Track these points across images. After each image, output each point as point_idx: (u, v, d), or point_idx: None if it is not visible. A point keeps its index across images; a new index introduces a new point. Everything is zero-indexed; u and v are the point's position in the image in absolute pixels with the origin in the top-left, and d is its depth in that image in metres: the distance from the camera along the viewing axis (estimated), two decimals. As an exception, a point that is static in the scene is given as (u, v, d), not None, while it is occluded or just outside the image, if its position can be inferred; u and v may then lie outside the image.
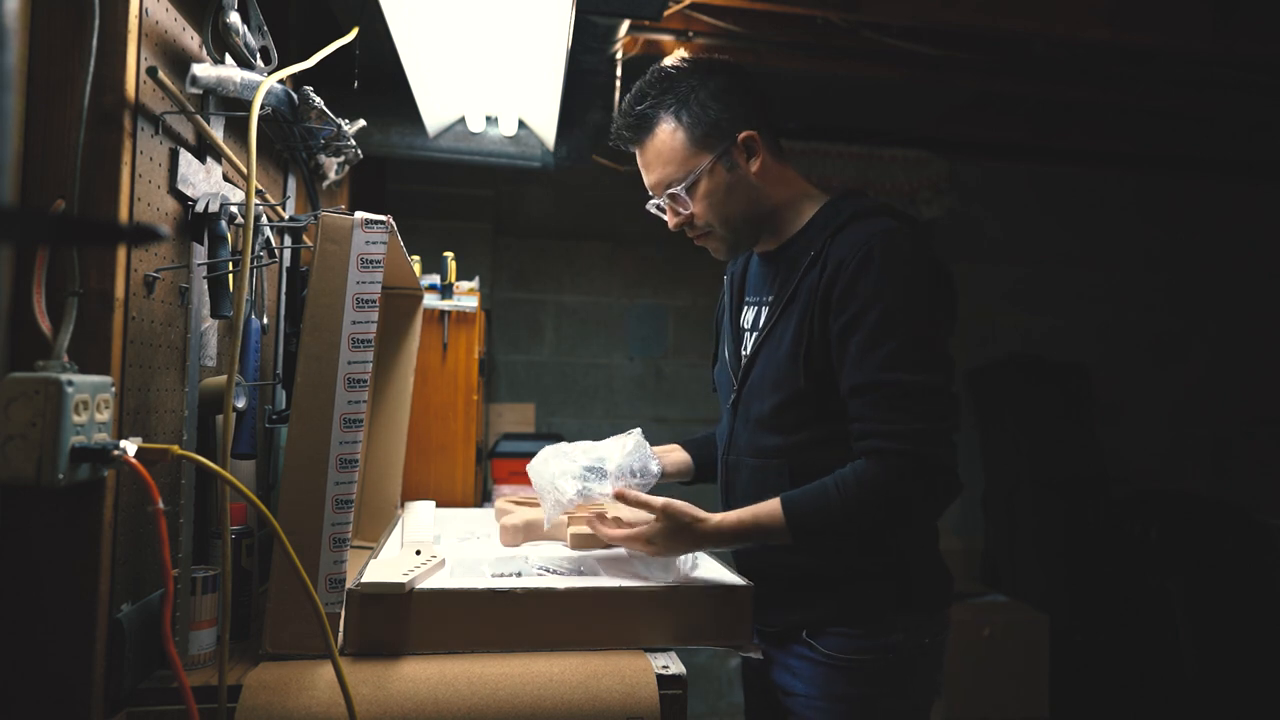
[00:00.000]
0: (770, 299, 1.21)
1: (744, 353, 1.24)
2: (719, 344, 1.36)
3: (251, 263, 1.07)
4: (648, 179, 1.22)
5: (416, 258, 1.70)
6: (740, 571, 1.22)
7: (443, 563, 1.14)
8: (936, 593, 1.20)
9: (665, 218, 1.24)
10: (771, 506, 1.09)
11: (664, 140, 1.18)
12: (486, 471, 2.49)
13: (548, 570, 1.17)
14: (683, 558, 1.29)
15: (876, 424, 1.06)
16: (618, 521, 1.15)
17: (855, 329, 1.08)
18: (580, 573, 1.16)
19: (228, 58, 1.12)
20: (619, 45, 2.04)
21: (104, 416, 0.84)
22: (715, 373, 1.36)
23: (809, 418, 1.14)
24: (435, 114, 2.09)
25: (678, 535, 1.09)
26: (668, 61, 1.21)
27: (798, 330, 1.13)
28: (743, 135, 1.17)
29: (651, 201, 1.25)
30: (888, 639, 1.13)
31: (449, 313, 1.94)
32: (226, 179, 1.16)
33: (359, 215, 1.00)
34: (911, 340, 1.06)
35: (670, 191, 1.19)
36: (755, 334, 1.22)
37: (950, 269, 1.16)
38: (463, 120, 2.18)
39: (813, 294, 1.12)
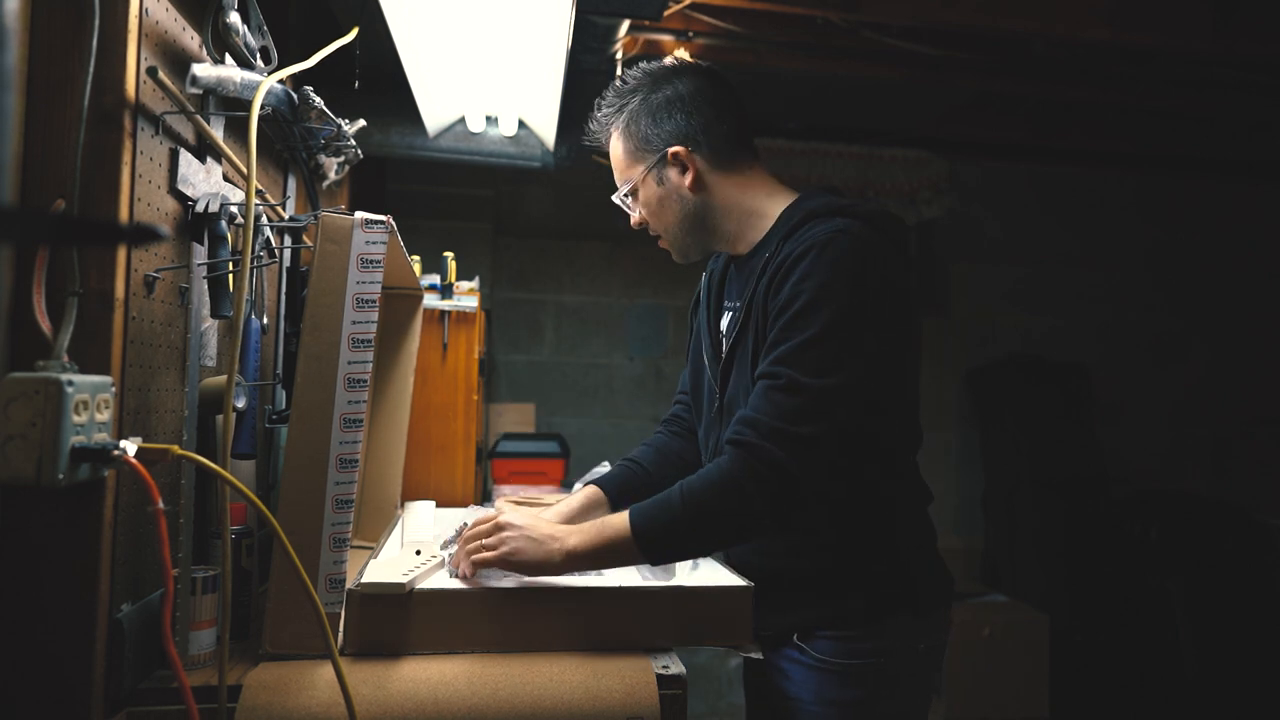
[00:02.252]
0: (738, 304, 1.21)
1: (722, 358, 1.24)
2: (695, 346, 1.34)
3: (251, 263, 1.07)
4: (613, 175, 1.28)
5: (416, 258, 1.70)
6: (735, 569, 1.21)
7: (443, 563, 1.14)
8: (933, 595, 1.18)
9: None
10: (619, 518, 1.06)
11: (614, 147, 1.26)
12: (486, 471, 2.49)
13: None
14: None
15: (744, 413, 1.05)
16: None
17: (774, 325, 1.07)
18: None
19: (228, 58, 1.12)
20: (619, 45, 2.04)
21: (104, 416, 0.84)
22: (689, 376, 1.35)
23: None
24: (435, 114, 2.09)
25: (535, 528, 1.06)
26: (628, 71, 1.25)
27: (756, 336, 1.13)
28: (671, 151, 1.20)
29: (620, 195, 1.29)
30: (880, 643, 1.12)
31: (449, 313, 1.94)
32: (226, 179, 1.16)
33: (359, 215, 1.00)
34: (819, 338, 1.03)
35: (624, 192, 1.26)
36: (732, 338, 1.21)
37: (909, 276, 1.14)
38: (463, 120, 2.18)
39: (763, 298, 1.12)
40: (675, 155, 1.20)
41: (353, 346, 0.99)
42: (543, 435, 2.94)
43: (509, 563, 1.04)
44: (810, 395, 1.01)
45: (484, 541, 1.06)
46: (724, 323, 1.27)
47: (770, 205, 1.22)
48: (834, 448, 1.02)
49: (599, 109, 1.25)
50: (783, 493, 1.01)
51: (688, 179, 1.20)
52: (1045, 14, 2.42)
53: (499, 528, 1.06)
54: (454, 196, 3.18)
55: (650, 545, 1.04)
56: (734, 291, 1.26)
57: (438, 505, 1.69)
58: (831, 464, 1.03)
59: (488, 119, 2.17)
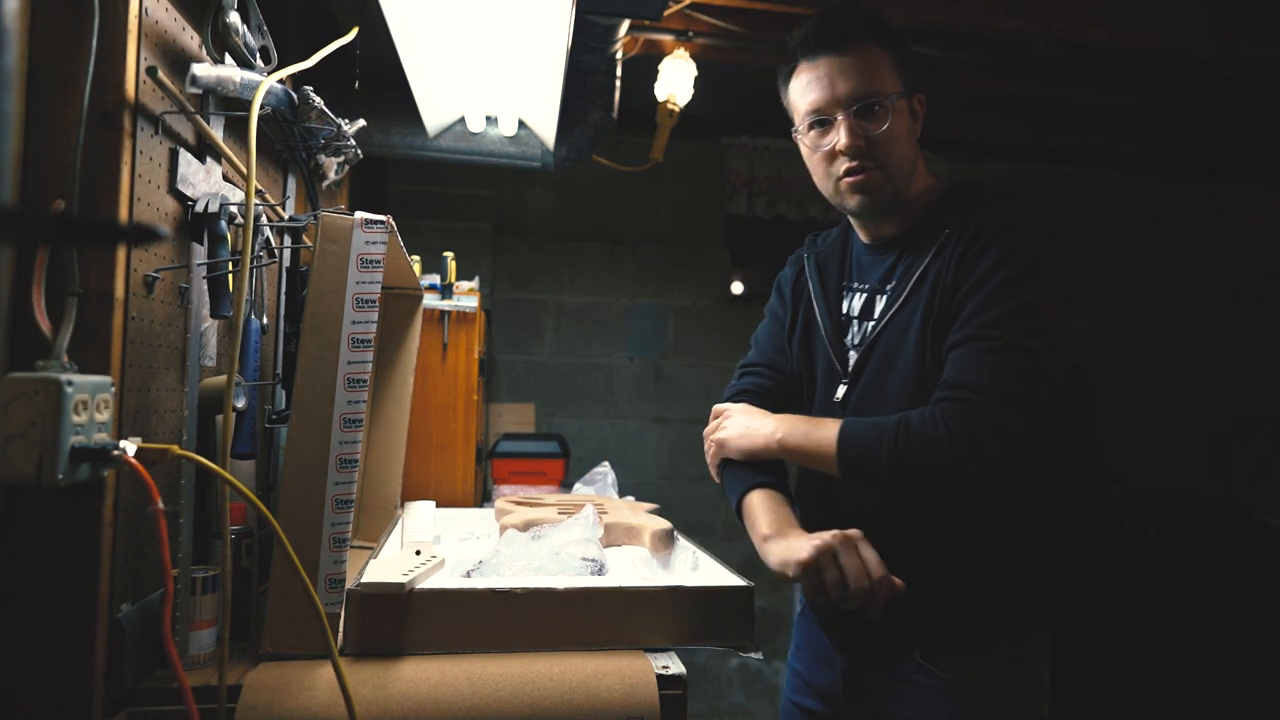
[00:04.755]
0: (891, 285, 1.15)
1: (850, 343, 1.18)
2: (805, 330, 1.26)
3: (251, 263, 1.07)
4: (834, 90, 1.11)
5: (416, 258, 1.70)
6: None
7: (443, 563, 1.14)
8: (1044, 616, 1.10)
9: (807, 142, 1.16)
10: (830, 422, 1.06)
11: (869, 56, 1.11)
12: (486, 471, 2.49)
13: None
14: (683, 558, 1.29)
15: (957, 375, 0.99)
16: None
17: (973, 294, 1.02)
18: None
19: (227, 57, 1.12)
20: (619, 45, 2.04)
21: (104, 416, 0.84)
22: (806, 354, 1.26)
23: None
24: (435, 114, 2.09)
25: (751, 414, 1.15)
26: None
27: (924, 316, 1.07)
28: (918, 95, 1.17)
29: (803, 125, 1.15)
30: (1010, 662, 1.05)
31: (449, 313, 1.94)
32: (226, 179, 1.16)
33: (359, 215, 1.00)
34: (1035, 304, 0.99)
35: (870, 103, 1.11)
36: (870, 323, 1.16)
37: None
38: (463, 120, 2.18)
39: (940, 277, 1.07)
40: (920, 102, 1.18)
41: (353, 346, 0.98)
42: (543, 435, 2.94)
43: (724, 445, 1.17)
44: (1032, 357, 0.96)
45: (707, 430, 1.20)
46: (851, 305, 1.21)
47: (928, 192, 1.18)
48: (1055, 414, 0.96)
49: (848, 13, 1.12)
50: (1003, 461, 0.95)
51: (918, 129, 1.18)
52: (1045, 14, 2.42)
53: (717, 414, 1.20)
54: (454, 196, 3.18)
55: (848, 469, 1.03)
56: (870, 272, 1.20)
57: (438, 505, 1.69)
58: (1050, 434, 0.97)
59: (488, 119, 2.17)
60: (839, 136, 1.11)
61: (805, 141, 1.18)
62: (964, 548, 1.07)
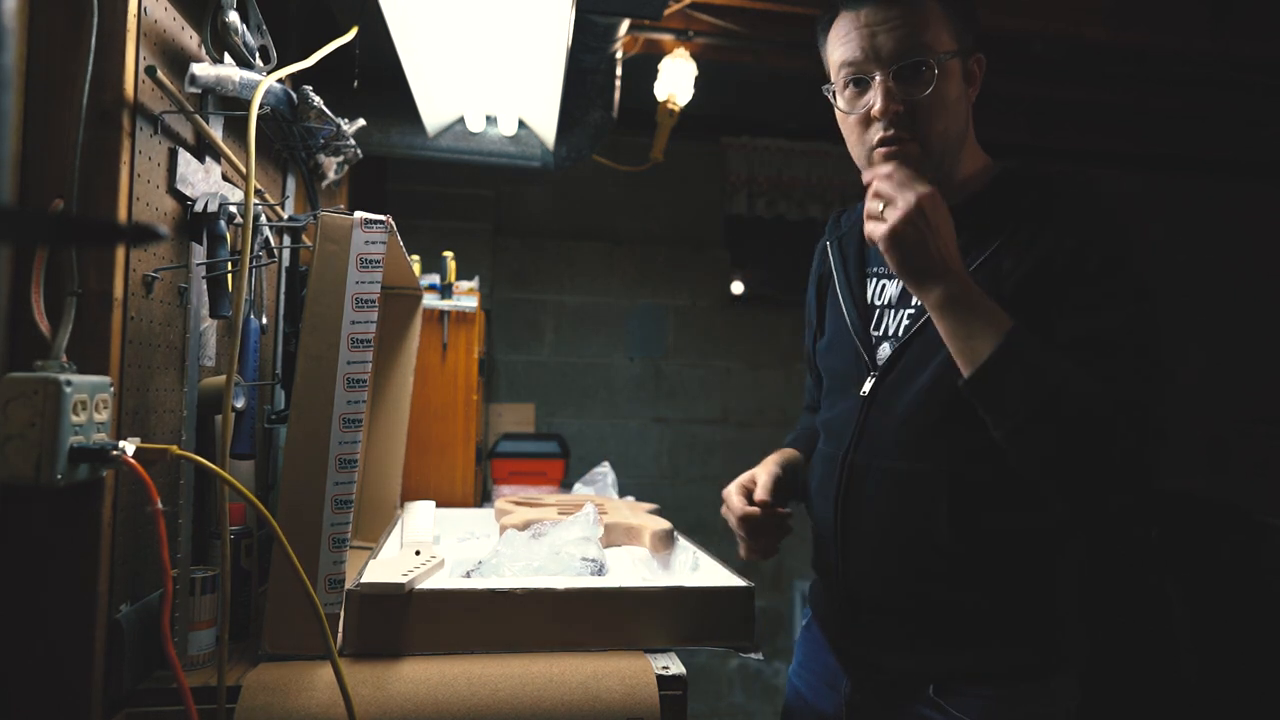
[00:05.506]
0: None
1: (880, 334, 1.06)
2: (824, 322, 1.18)
3: (250, 262, 1.07)
4: (880, 41, 0.97)
5: (416, 258, 1.70)
6: (848, 597, 1.05)
7: (443, 563, 1.14)
8: (1079, 653, 0.99)
9: (840, 103, 1.03)
10: (1002, 315, 0.88)
11: (921, 9, 0.96)
12: (486, 471, 2.49)
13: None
14: (683, 558, 1.29)
15: (1115, 373, 0.88)
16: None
17: (1092, 287, 0.91)
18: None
19: (227, 57, 1.12)
20: (619, 45, 2.04)
21: (103, 416, 0.83)
22: (823, 355, 1.17)
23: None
24: (435, 114, 2.09)
25: (944, 236, 0.89)
26: None
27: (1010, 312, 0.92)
28: (977, 56, 1.02)
29: (838, 82, 1.02)
30: (1039, 706, 0.94)
31: (449, 313, 1.94)
32: (225, 179, 1.16)
33: (358, 215, 1.00)
34: (1147, 313, 0.91)
35: (915, 62, 0.96)
36: (909, 311, 1.04)
37: None
38: (462, 120, 2.18)
39: (1018, 269, 0.94)
40: (979, 63, 1.02)
41: (352, 346, 0.98)
42: (542, 435, 2.94)
43: (890, 241, 0.90)
44: (1155, 383, 0.89)
45: (882, 208, 0.91)
46: (881, 292, 1.09)
47: (979, 172, 1.06)
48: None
49: None
50: (1138, 470, 0.88)
51: (973, 94, 1.03)
52: (1043, 13, 2.43)
53: (910, 205, 0.89)
54: (454, 196, 3.18)
55: (997, 375, 0.86)
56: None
57: (438, 505, 1.69)
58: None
59: (488, 119, 2.17)
60: (875, 99, 0.97)
61: (839, 102, 1.03)
62: (995, 572, 0.95)
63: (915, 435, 0.99)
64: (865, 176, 0.98)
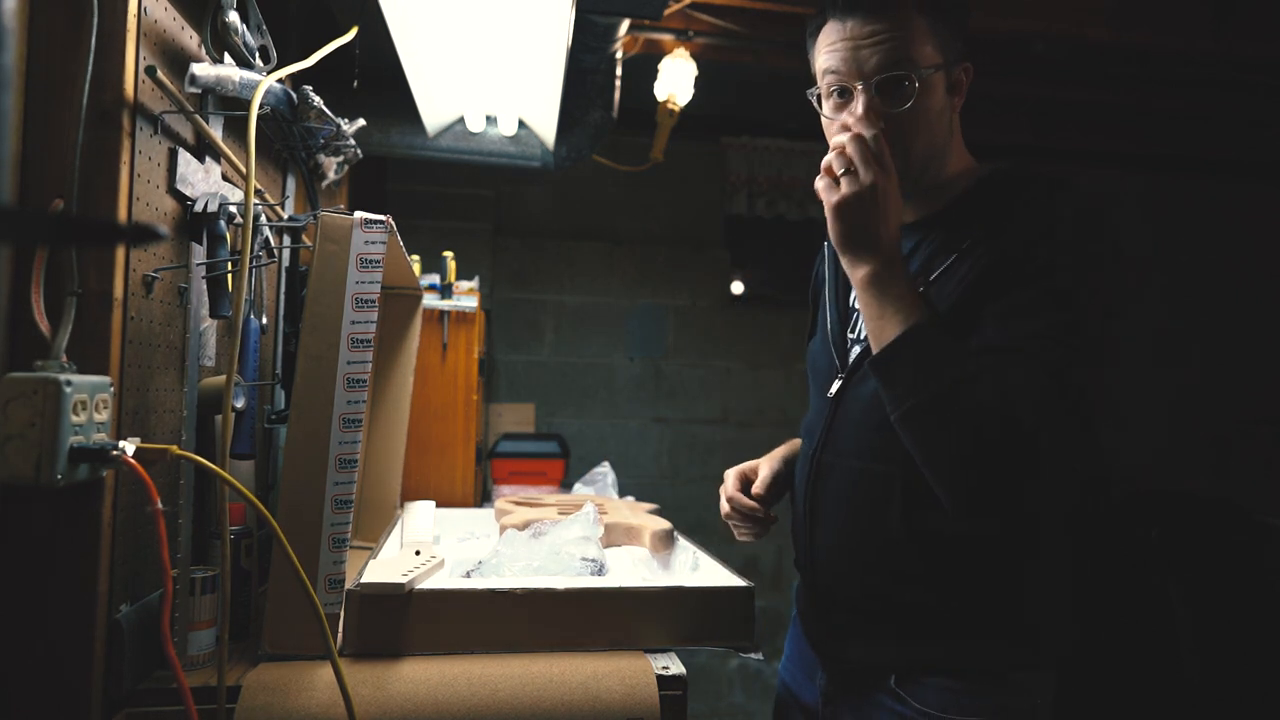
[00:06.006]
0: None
1: (852, 335, 1.09)
2: (818, 319, 1.19)
3: (250, 262, 1.07)
4: (864, 54, 0.98)
5: (416, 258, 1.70)
6: (816, 584, 1.08)
7: (443, 563, 1.14)
8: (1053, 650, 0.99)
9: (825, 110, 1.05)
10: (919, 309, 0.89)
11: (906, 24, 0.97)
12: (486, 471, 2.49)
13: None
14: (683, 559, 1.29)
15: (1013, 379, 0.86)
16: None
17: (1013, 288, 0.90)
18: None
19: (227, 57, 1.12)
20: (619, 45, 2.04)
21: (103, 416, 0.83)
22: (810, 356, 1.20)
23: None
24: (435, 114, 2.09)
25: (889, 221, 0.91)
26: None
27: (952, 317, 0.94)
28: (964, 66, 1.02)
29: (823, 88, 1.04)
30: (998, 698, 0.95)
31: (449, 313, 1.94)
32: (225, 179, 1.16)
33: (358, 215, 1.00)
34: (1074, 321, 0.89)
35: (896, 76, 0.97)
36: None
37: None
38: (462, 120, 2.18)
39: (977, 267, 0.94)
40: (966, 71, 1.02)
41: (352, 346, 0.98)
42: (543, 435, 2.94)
43: (837, 211, 0.92)
44: (1069, 391, 0.87)
45: (842, 172, 0.91)
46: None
47: (963, 177, 1.05)
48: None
49: None
50: (1023, 488, 0.87)
51: (958, 104, 1.03)
52: (1045, 14, 2.43)
53: (868, 183, 0.90)
54: (454, 196, 3.18)
55: (892, 357, 0.88)
56: None
57: (438, 505, 1.69)
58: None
59: (488, 119, 2.17)
60: (857, 112, 0.99)
61: (823, 109, 1.06)
62: (947, 571, 0.97)
63: (872, 436, 1.00)
64: (834, 136, 0.99)
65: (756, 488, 1.21)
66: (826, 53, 1.02)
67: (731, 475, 1.25)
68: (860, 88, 0.99)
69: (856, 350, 1.07)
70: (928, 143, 1.01)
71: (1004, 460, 0.85)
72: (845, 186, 0.92)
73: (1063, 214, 0.94)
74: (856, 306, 1.09)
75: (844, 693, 1.05)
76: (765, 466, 1.23)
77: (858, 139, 0.94)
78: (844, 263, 0.96)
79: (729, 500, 1.22)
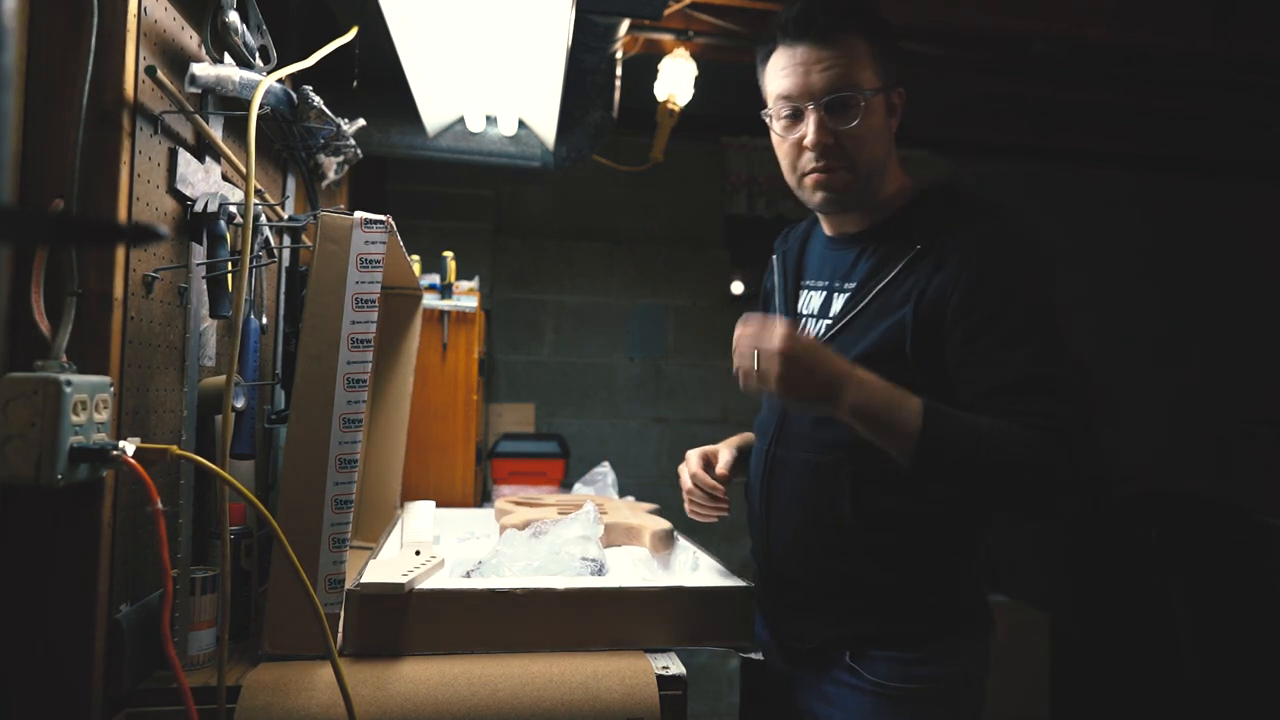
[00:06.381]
0: (851, 285, 1.12)
1: None
2: None
3: (250, 262, 1.07)
4: (813, 78, 1.08)
5: (416, 258, 1.70)
6: (773, 573, 1.18)
7: (443, 563, 1.14)
8: (983, 619, 1.12)
9: (776, 129, 1.14)
10: (911, 400, 0.97)
11: (852, 49, 1.08)
12: (486, 471, 2.49)
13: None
14: (683, 559, 1.29)
15: (1031, 408, 0.96)
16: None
17: (987, 327, 1.00)
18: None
19: (227, 57, 1.12)
20: (619, 45, 2.03)
21: (103, 416, 0.83)
22: None
23: None
24: (435, 114, 2.09)
25: (820, 366, 0.97)
26: None
27: (897, 324, 1.04)
28: (898, 90, 1.13)
29: (775, 110, 1.13)
30: (942, 667, 1.06)
31: (449, 313, 1.94)
32: (225, 179, 1.16)
33: (358, 215, 1.00)
34: (1053, 336, 1.01)
35: (843, 95, 1.07)
36: (825, 322, 1.14)
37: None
38: (462, 120, 2.18)
39: (919, 287, 1.04)
40: (899, 95, 1.14)
41: (352, 346, 0.98)
42: (542, 435, 2.94)
43: (782, 388, 0.97)
44: (1084, 392, 0.98)
45: (788, 344, 0.96)
46: (809, 303, 1.20)
47: (900, 193, 1.16)
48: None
49: (831, 3, 1.09)
50: (1092, 482, 0.96)
51: (894, 123, 1.14)
52: (1045, 14, 2.42)
53: (781, 356, 0.96)
54: (454, 196, 3.18)
55: (933, 450, 0.95)
56: (826, 270, 1.19)
57: (438, 505, 1.69)
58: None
59: (488, 119, 2.17)
60: (807, 130, 1.09)
61: (775, 128, 1.15)
62: (894, 551, 1.07)
63: (821, 430, 1.11)
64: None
65: (720, 469, 1.26)
66: (779, 76, 1.11)
67: (694, 455, 1.30)
68: (811, 107, 1.09)
69: None
70: (871, 157, 1.11)
71: (1051, 467, 0.95)
72: (770, 367, 0.97)
73: (1000, 243, 1.04)
74: (804, 311, 1.20)
75: (802, 670, 1.15)
76: (725, 451, 1.30)
77: (742, 334, 1.01)
78: (821, 412, 1.01)
79: (693, 478, 1.26)
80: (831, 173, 1.10)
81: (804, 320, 1.19)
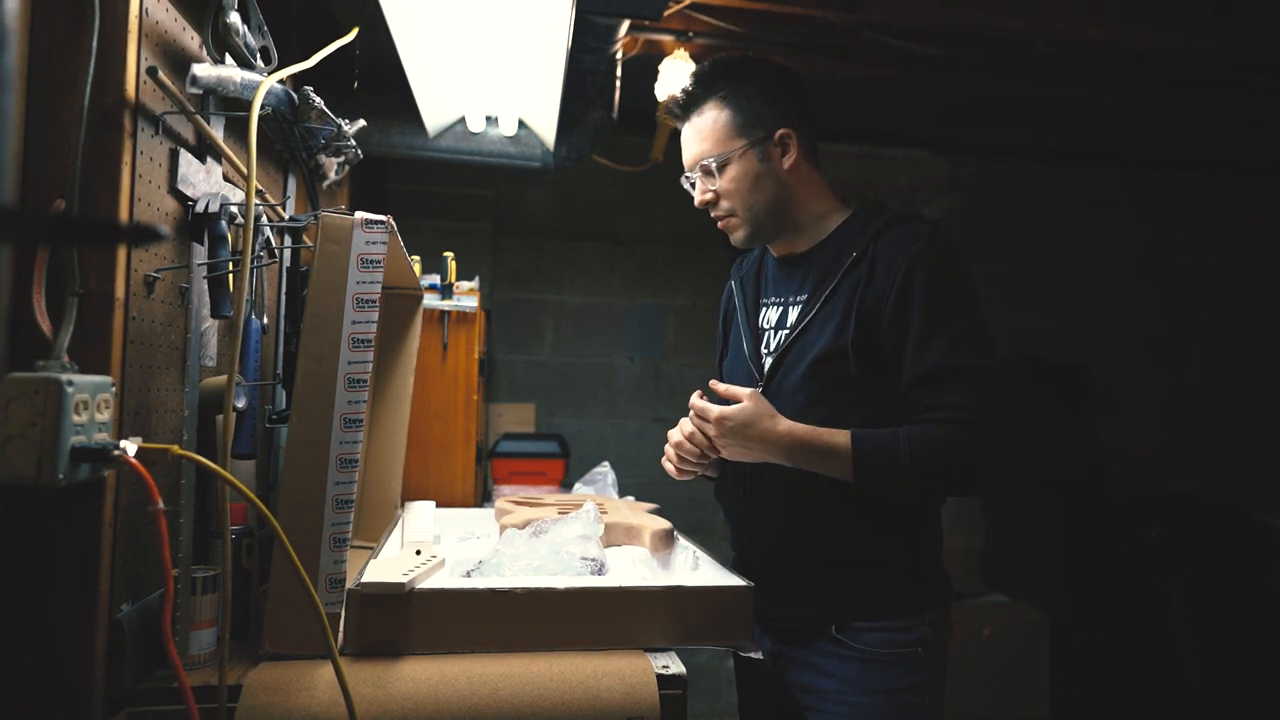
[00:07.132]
0: (803, 298, 1.25)
1: (765, 351, 1.28)
2: (729, 344, 1.39)
3: (251, 263, 1.07)
4: (686, 155, 1.29)
5: (416, 258, 1.70)
6: (757, 561, 1.24)
7: (443, 563, 1.14)
8: (947, 589, 1.24)
9: (695, 194, 1.31)
10: (838, 434, 1.13)
11: (708, 120, 1.25)
12: (486, 471, 2.49)
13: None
14: (683, 558, 1.29)
15: (946, 400, 1.11)
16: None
17: (912, 322, 1.13)
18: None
19: (228, 58, 1.12)
20: (619, 45, 2.04)
21: (104, 416, 0.84)
22: (727, 372, 1.38)
23: (843, 408, 1.17)
24: (435, 114, 2.09)
25: (755, 424, 1.13)
26: (727, 56, 1.31)
27: (841, 324, 1.17)
28: (780, 132, 1.24)
29: (684, 177, 1.32)
30: (917, 634, 1.16)
31: (449, 313, 1.94)
32: (226, 179, 1.16)
33: (359, 215, 1.00)
34: (967, 329, 1.14)
35: (703, 164, 1.26)
36: (784, 332, 1.26)
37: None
38: (463, 120, 2.18)
39: (856, 291, 1.17)
40: (784, 136, 1.24)
41: (353, 346, 0.99)
42: (543, 435, 2.94)
43: (734, 453, 1.16)
44: (995, 379, 1.12)
45: (726, 413, 1.14)
46: (768, 318, 1.31)
47: (834, 211, 1.29)
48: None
49: (692, 85, 1.27)
50: (987, 467, 1.11)
51: (788, 161, 1.25)
52: (1045, 14, 2.42)
53: (720, 424, 1.14)
54: (454, 196, 3.18)
55: (866, 469, 1.11)
56: (780, 288, 1.31)
57: (438, 505, 1.69)
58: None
59: (488, 119, 2.17)
60: (695, 194, 1.30)
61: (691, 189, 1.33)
62: (869, 532, 1.18)
63: (797, 420, 1.19)
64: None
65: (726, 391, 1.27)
66: None
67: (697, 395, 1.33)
68: (692, 176, 1.30)
69: (769, 361, 1.26)
70: (752, 203, 1.25)
71: (970, 449, 1.10)
72: (720, 443, 1.16)
73: (919, 252, 1.15)
74: (765, 325, 1.31)
75: (790, 646, 1.22)
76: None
77: (693, 414, 1.20)
78: (772, 460, 1.16)
79: (692, 406, 1.22)
80: (724, 220, 1.29)
81: (766, 332, 1.30)
